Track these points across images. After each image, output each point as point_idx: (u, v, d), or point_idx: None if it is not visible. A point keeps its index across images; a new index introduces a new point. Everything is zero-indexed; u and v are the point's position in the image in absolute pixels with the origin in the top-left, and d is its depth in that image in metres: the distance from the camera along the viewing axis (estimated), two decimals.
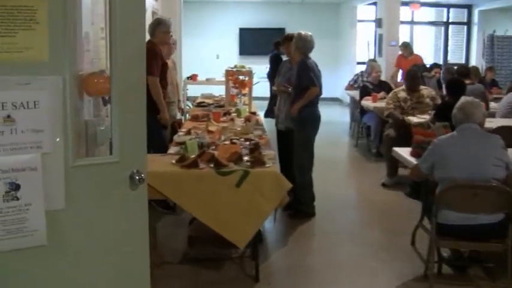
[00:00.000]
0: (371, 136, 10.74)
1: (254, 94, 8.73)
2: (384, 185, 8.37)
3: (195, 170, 4.74)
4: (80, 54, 4.93)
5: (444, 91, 8.48)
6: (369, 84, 11.10)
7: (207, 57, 19.75)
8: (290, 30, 20.18)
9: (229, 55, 19.81)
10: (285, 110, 6.92)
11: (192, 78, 13.62)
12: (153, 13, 12.21)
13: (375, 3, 18.10)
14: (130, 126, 2.95)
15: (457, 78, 8.15)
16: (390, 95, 8.99)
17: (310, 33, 6.72)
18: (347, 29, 19.17)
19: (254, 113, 8.19)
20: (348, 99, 16.53)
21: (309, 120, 6.63)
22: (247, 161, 4.94)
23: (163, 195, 4.67)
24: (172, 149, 5.55)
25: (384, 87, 10.94)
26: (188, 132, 6.42)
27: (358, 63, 19.01)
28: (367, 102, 10.56)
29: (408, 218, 6.29)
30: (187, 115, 9.13)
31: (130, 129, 2.96)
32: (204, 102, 9.64)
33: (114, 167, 2.93)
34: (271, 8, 19.99)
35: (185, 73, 15.47)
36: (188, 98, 16.31)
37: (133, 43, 2.95)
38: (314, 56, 6.66)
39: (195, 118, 7.64)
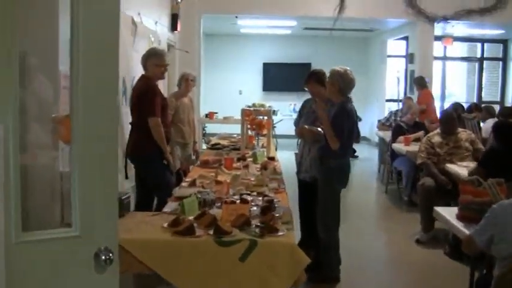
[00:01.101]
0: (402, 182, 9.76)
1: (279, 132, 7.89)
2: (418, 241, 7.36)
3: (191, 238, 3.82)
4: (53, 94, 4.03)
5: (483, 134, 7.57)
6: (403, 125, 10.15)
7: (230, 92, 19.00)
8: (316, 65, 19.26)
9: (253, 91, 19.08)
10: (309, 158, 5.99)
11: (209, 116, 12.76)
12: (169, 46, 11.42)
13: (405, 38, 17.25)
14: (97, 188, 2.28)
15: (505, 121, 7.19)
16: (423, 140, 8.04)
17: (349, 69, 5.74)
18: (376, 64, 18.27)
19: (273, 158, 7.29)
20: (376, 139, 15.62)
21: (337, 172, 5.65)
22: (257, 226, 4.01)
23: (149, 269, 3.75)
24: (169, 206, 4.66)
25: (419, 129, 9.98)
26: (192, 183, 5.53)
27: (388, 100, 18.09)
28: (399, 145, 9.62)
29: (451, 285, 5.41)
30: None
31: (97, 192, 2.28)
32: (218, 144, 8.76)
33: (74, 243, 2.25)
34: (296, 42, 19.18)
35: (205, 110, 14.69)
36: (205, 136, 15.53)
37: (102, 76, 2.30)
38: None
39: (204, 164, 6.76)
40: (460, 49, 19.10)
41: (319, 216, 5.64)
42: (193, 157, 8.48)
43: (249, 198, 4.84)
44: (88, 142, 2.24)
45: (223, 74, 19.15)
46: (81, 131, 2.25)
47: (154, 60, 6.03)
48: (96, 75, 2.26)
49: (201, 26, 13.19)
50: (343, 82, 5.51)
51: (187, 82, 8.11)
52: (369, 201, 10.62)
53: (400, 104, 16.78)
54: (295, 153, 6.59)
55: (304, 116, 6.33)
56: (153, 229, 3.98)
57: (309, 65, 18.73)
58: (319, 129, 5.80)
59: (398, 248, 7.38)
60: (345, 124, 5.48)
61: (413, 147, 9.21)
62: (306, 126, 5.97)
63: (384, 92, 18.02)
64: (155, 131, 5.82)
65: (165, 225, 3.99)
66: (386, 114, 14.46)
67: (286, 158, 9.27)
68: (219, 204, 4.68)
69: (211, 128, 15.54)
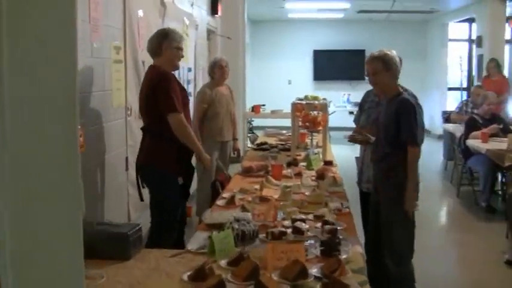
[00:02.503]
0: (479, 185, 8.39)
1: (331, 124, 6.61)
2: (509, 262, 6.03)
3: None
4: None
5: None
6: (478, 118, 8.73)
7: (278, 83, 17.85)
8: (371, 51, 17.94)
9: (303, 80, 17.88)
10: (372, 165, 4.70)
11: (255, 110, 11.47)
12: (209, 31, 10.23)
13: (469, 20, 15.77)
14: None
15: None
16: None
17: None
18: (436, 49, 16.81)
19: (330, 163, 6.04)
20: (438, 131, 14.21)
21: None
22: (317, 278, 2.77)
23: None
24: (196, 240, 3.44)
25: (496, 121, 8.60)
26: (231, 201, 4.33)
27: (450, 88, 16.63)
28: (476, 142, 8.24)
29: None
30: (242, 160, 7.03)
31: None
32: (265, 143, 7.53)
33: None
34: (349, 27, 17.84)
35: (251, 103, 13.48)
36: (251, 131, 14.28)
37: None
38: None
39: (247, 171, 5.55)
40: None
41: (387, 245, 4.32)
42: (234, 155, 7.30)
43: (304, 226, 3.59)
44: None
45: (270, 63, 18.03)
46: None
47: (172, 41, 4.69)
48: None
49: (245, 10, 11.95)
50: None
51: (221, 69, 6.92)
52: (436, 207, 9.14)
53: (464, 93, 15.51)
54: (356, 158, 5.33)
55: (366, 112, 5.08)
56: (169, 282, 2.77)
57: (363, 51, 17.62)
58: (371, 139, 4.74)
59: (482, 270, 6.05)
60: (415, 124, 4.21)
61: (493, 145, 7.88)
62: (357, 136, 4.80)
63: (445, 79, 16.60)
64: (180, 130, 4.53)
65: (186, 277, 2.77)
66: (456, 103, 12.97)
67: (341, 156, 7.91)
68: (263, 235, 3.47)
69: (258, 121, 14.34)
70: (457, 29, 16.93)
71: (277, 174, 5.24)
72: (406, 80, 5.31)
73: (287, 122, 7.68)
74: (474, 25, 15.95)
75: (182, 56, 4.83)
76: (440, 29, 16.75)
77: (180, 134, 4.53)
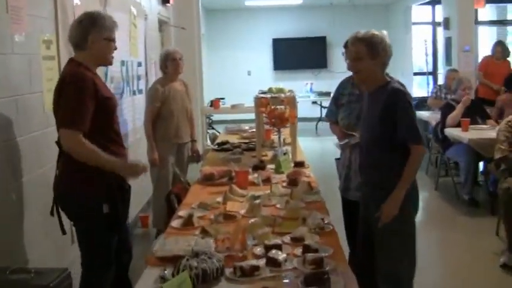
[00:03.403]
0: (460, 176, 7.75)
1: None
2: (505, 266, 5.39)
3: None
4: None
5: None
6: (454, 104, 8.09)
7: (237, 74, 17.19)
8: (332, 38, 17.64)
9: (263, 71, 17.21)
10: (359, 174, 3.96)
11: (214, 104, 10.66)
12: (161, 22, 9.43)
13: (431, 3, 15.22)
14: None
15: None
16: (502, 126, 5.99)
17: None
18: (400, 34, 16.19)
19: (302, 164, 5.31)
20: None
21: (410, 197, 3.54)
22: None
23: None
24: (143, 285, 2.67)
25: (474, 108, 7.97)
26: (188, 222, 3.57)
27: (415, 73, 16.07)
28: (455, 131, 7.61)
29: None
30: (201, 165, 6.24)
31: None
32: (226, 142, 6.77)
33: None
34: (308, 14, 17.16)
35: (210, 97, 12.72)
36: (211, 126, 13.49)
37: None
38: None
39: (207, 179, 4.78)
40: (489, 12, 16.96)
41: (382, 269, 3.58)
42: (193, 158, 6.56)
43: (281, 256, 2.85)
44: None
45: (228, 53, 17.30)
46: None
47: (97, 31, 3.68)
48: None
49: None
50: (386, 50, 3.54)
51: (174, 62, 6.16)
52: None
53: (430, 78, 14.96)
54: (336, 160, 4.60)
55: (345, 107, 4.36)
56: None
57: (323, 38, 17.13)
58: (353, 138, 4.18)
59: (472, 274, 5.40)
60: (414, 117, 3.54)
61: (475, 133, 7.28)
62: (351, 141, 4.11)
63: (410, 64, 16.03)
64: (73, 151, 3.50)
65: None
66: (422, 89, 12.41)
67: (308, 148, 7.14)
68: (230, 270, 2.73)
69: (218, 116, 13.59)
70: (420, 12, 16.38)
71: (242, 182, 4.49)
72: None
73: (249, 116, 6.91)
74: (438, 7, 15.43)
75: (115, 49, 3.86)
76: (403, 12, 16.19)
77: (76, 156, 3.51)
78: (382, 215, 3.43)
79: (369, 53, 3.47)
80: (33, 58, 4.13)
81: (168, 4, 9.64)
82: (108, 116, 3.69)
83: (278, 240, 3.10)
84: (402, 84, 3.84)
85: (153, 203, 6.35)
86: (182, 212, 3.84)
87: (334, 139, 4.75)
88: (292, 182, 4.55)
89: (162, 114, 6.07)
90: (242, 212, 3.80)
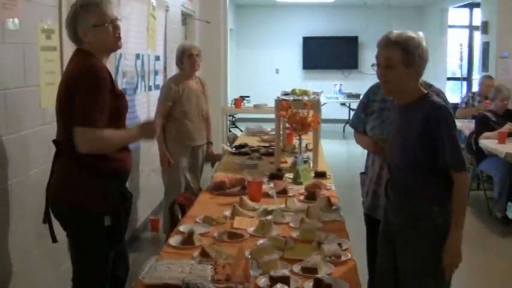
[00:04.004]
0: (495, 192, 7.24)
1: (322, 116, 5.43)
2: None
3: None
4: None
5: None
6: (490, 115, 7.58)
7: (265, 72, 16.80)
8: (364, 39, 17.11)
9: (291, 69, 16.78)
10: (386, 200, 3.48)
11: (236, 103, 10.24)
12: (185, 15, 9.04)
13: (469, 5, 14.67)
14: None
15: None
16: None
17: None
18: (435, 36, 15.63)
19: (323, 174, 4.87)
20: None
21: (443, 229, 3.00)
22: None
23: None
24: None
25: None
26: (188, 240, 3.15)
27: (449, 78, 15.52)
28: (491, 143, 7.10)
29: None
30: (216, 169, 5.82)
31: None
32: (245, 145, 6.35)
33: None
34: (341, 13, 16.69)
35: (236, 94, 12.32)
36: (234, 125, 13.07)
37: None
38: None
39: (217, 188, 4.36)
40: None
41: None
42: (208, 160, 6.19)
43: None
44: None
45: (256, 50, 16.93)
46: None
47: (83, 23, 3.22)
48: None
49: None
50: (423, 58, 3.03)
51: (191, 59, 5.74)
52: None
53: (464, 84, 14.41)
54: (361, 174, 4.15)
55: (377, 116, 3.87)
56: None
57: (355, 38, 16.80)
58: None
59: None
60: (457, 139, 3.03)
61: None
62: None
63: (444, 69, 15.48)
64: (92, 149, 3.11)
65: None
66: (456, 95, 11.90)
67: (333, 151, 6.64)
68: None
69: (243, 114, 13.19)
70: (457, 15, 15.84)
71: (254, 194, 4.05)
72: None
73: (273, 112, 6.43)
74: (476, 10, 14.89)
75: (116, 29, 3.29)
76: (439, 14, 15.66)
77: (97, 153, 3.15)
78: (446, 265, 2.95)
79: (404, 59, 2.94)
80: (29, 48, 3.74)
81: None
82: (118, 116, 3.28)
83: (286, 271, 2.67)
84: (442, 94, 3.41)
85: (164, 209, 5.97)
86: (183, 227, 3.43)
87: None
88: (311, 195, 4.12)
89: (175, 114, 5.68)
90: (251, 230, 3.37)
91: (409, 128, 3.00)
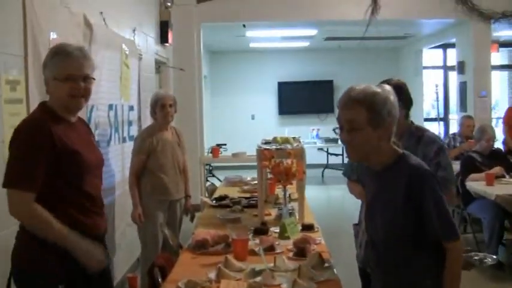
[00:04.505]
0: (484, 235, 7.00)
1: None
2: None
3: None
4: None
5: None
6: (476, 156, 7.40)
7: (240, 118, 16.61)
8: (339, 82, 16.86)
9: (267, 115, 16.66)
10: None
11: (213, 152, 9.96)
12: (159, 63, 8.81)
13: (442, 46, 14.68)
14: None
15: None
16: None
17: None
18: (410, 77, 15.54)
19: (311, 227, 4.59)
20: None
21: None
22: None
23: None
24: None
25: (498, 159, 7.29)
26: None
27: (426, 119, 15.43)
28: (478, 185, 6.90)
29: None
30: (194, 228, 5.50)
31: None
32: (225, 196, 6.05)
33: None
34: (316, 56, 16.59)
35: (211, 141, 12.07)
36: (211, 174, 12.76)
37: None
38: None
39: (200, 247, 4.04)
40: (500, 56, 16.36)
41: None
42: (186, 216, 5.88)
43: None
44: None
45: (232, 96, 16.73)
46: None
47: (48, 70, 2.98)
48: None
49: (200, 38, 10.55)
50: (391, 118, 2.66)
51: (163, 109, 5.50)
52: None
53: (441, 124, 14.31)
54: (354, 225, 3.88)
55: None
56: None
57: (330, 82, 16.59)
58: None
59: None
60: (445, 204, 2.66)
61: (502, 188, 6.62)
62: None
63: (421, 110, 15.38)
64: (22, 216, 2.88)
65: None
66: (441, 135, 11.82)
67: (313, 198, 6.39)
68: None
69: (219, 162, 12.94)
70: (431, 56, 15.84)
71: (240, 253, 3.75)
72: None
73: (253, 161, 6.12)
74: (450, 51, 14.90)
75: (79, 89, 2.97)
76: (414, 55, 15.62)
77: (25, 223, 2.89)
78: None
79: (370, 119, 2.58)
80: None
81: (166, 44, 9.02)
82: (73, 176, 2.97)
83: None
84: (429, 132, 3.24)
85: (141, 266, 5.64)
86: None
87: (341, 187, 4.02)
88: (300, 252, 3.83)
89: (150, 168, 5.41)
90: None
91: (389, 198, 2.65)
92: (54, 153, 2.85)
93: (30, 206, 2.80)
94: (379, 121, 2.58)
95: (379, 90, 2.62)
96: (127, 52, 6.44)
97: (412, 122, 3.82)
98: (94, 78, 3.05)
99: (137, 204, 5.42)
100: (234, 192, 6.45)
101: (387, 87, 2.67)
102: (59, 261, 2.88)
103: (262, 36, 13.89)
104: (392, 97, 2.63)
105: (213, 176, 12.80)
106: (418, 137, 3.72)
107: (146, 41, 7.78)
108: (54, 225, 2.84)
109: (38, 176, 2.81)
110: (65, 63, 2.95)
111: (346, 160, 7.13)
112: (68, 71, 2.95)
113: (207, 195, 7.28)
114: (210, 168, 12.88)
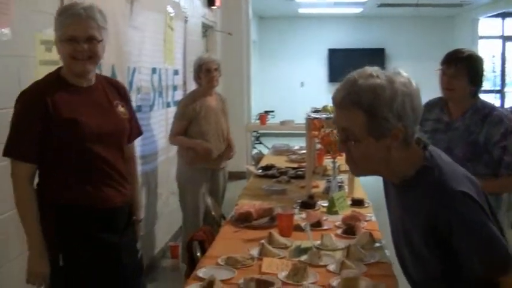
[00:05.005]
0: None
1: None
2: None
3: None
4: None
5: None
6: None
7: (289, 85, 16.35)
8: (391, 50, 16.54)
9: (317, 82, 16.26)
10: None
11: (261, 120, 9.67)
12: (206, 26, 8.57)
13: (502, 15, 14.09)
14: None
15: None
16: None
17: None
18: (465, 48, 15.10)
19: (361, 202, 4.33)
20: None
21: None
22: None
23: None
24: None
25: None
26: None
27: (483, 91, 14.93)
28: None
29: None
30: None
31: None
32: (272, 166, 5.81)
33: None
34: (367, 24, 16.18)
35: (259, 108, 11.84)
36: (258, 141, 12.51)
37: None
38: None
39: (242, 220, 3.82)
40: None
41: None
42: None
43: None
44: None
45: (281, 63, 16.45)
46: None
47: (58, 28, 2.79)
48: None
49: (249, 2, 10.25)
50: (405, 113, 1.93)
51: (208, 74, 5.25)
52: None
53: (497, 96, 13.79)
54: None
55: (429, 135, 3.37)
56: None
57: (381, 50, 16.32)
58: None
59: None
60: (489, 235, 1.92)
61: None
62: None
63: None
64: (13, 185, 2.79)
65: None
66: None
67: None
68: None
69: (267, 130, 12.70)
70: (489, 25, 15.25)
71: (285, 228, 3.52)
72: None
73: (301, 129, 5.82)
74: (508, 20, 14.35)
75: (81, 51, 2.76)
76: (469, 24, 15.05)
77: (14, 194, 2.79)
78: None
79: (369, 127, 1.92)
80: (25, 62, 3.25)
81: (214, 7, 8.75)
82: (70, 145, 2.82)
83: None
84: (500, 119, 2.94)
85: (183, 236, 5.47)
86: (203, 272, 2.90)
87: None
88: (349, 229, 3.58)
89: (192, 135, 5.19)
90: (282, 275, 2.83)
91: (411, 225, 2.03)
92: (47, 121, 2.73)
93: (17, 178, 2.76)
94: (384, 129, 1.90)
95: (383, 82, 1.90)
96: (172, 14, 6.22)
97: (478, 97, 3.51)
98: (101, 40, 2.82)
99: (194, 142, 5.21)
100: (281, 162, 6.20)
101: (400, 74, 1.94)
102: (53, 230, 2.79)
103: (312, 2, 13.54)
104: (405, 89, 1.89)
105: (261, 143, 12.57)
106: (484, 114, 3.39)
107: (192, 3, 7.53)
108: (28, 210, 2.77)
109: (31, 146, 2.74)
110: (68, 23, 2.77)
111: None
112: (70, 31, 2.76)
113: (253, 164, 7.04)
114: (258, 135, 12.66)
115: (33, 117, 2.72)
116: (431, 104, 3.56)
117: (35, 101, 2.74)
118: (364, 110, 1.88)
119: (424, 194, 1.92)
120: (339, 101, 1.95)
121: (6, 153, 2.76)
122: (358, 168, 2.04)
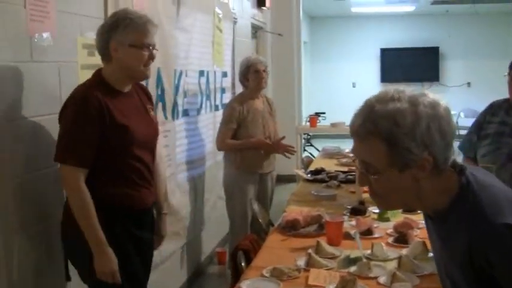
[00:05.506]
0: None
1: None
2: None
3: None
4: None
5: None
6: None
7: (341, 86, 16.05)
8: (446, 49, 16.17)
9: (369, 83, 15.92)
10: None
11: (311, 122, 9.48)
12: (256, 27, 8.47)
13: None
14: None
15: None
16: None
17: None
18: None
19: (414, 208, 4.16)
20: None
21: None
22: None
23: None
24: None
25: None
26: None
27: None
28: None
29: None
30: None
31: None
32: (321, 170, 5.66)
33: None
34: (420, 23, 15.77)
35: (310, 110, 11.70)
36: (308, 143, 12.37)
37: None
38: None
39: (290, 228, 3.70)
40: None
41: None
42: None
43: None
44: None
45: (332, 63, 16.16)
46: None
47: (119, 37, 2.82)
48: None
49: (300, 2, 10.13)
50: (432, 138, 1.64)
51: (257, 74, 5.13)
52: None
53: None
54: None
55: (491, 138, 3.21)
56: None
57: (436, 49, 15.85)
58: None
59: None
60: None
61: None
62: None
63: None
64: (68, 192, 2.82)
65: None
66: None
67: None
68: None
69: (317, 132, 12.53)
70: None
71: (334, 237, 3.38)
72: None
73: None
74: None
75: (152, 58, 2.91)
76: None
77: (70, 199, 2.80)
78: None
79: (391, 158, 1.63)
80: (66, 67, 3.19)
81: (264, 8, 8.65)
82: (120, 150, 2.88)
83: None
84: None
85: (230, 242, 5.38)
86: (246, 284, 2.79)
87: None
88: (401, 238, 3.42)
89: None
90: None
91: (450, 261, 1.77)
92: (103, 126, 2.76)
93: (75, 184, 2.74)
94: (407, 160, 1.64)
95: (405, 106, 1.64)
96: (220, 15, 6.13)
97: None
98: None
99: (248, 141, 5.13)
100: (331, 165, 6.06)
101: (425, 96, 1.67)
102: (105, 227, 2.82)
103: (365, 0, 13.32)
104: (431, 111, 1.63)
105: (311, 145, 12.42)
106: None
107: (242, 3, 7.44)
108: (90, 213, 2.74)
109: (89, 151, 2.75)
110: (145, 31, 2.88)
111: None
112: (146, 38, 2.88)
113: (302, 167, 6.90)
114: (308, 137, 12.50)
115: (92, 122, 2.73)
116: (496, 106, 3.39)
117: (92, 106, 2.74)
118: (382, 139, 1.63)
119: (462, 227, 1.66)
120: (355, 129, 1.71)
121: (61, 160, 2.75)
122: (384, 202, 1.80)
